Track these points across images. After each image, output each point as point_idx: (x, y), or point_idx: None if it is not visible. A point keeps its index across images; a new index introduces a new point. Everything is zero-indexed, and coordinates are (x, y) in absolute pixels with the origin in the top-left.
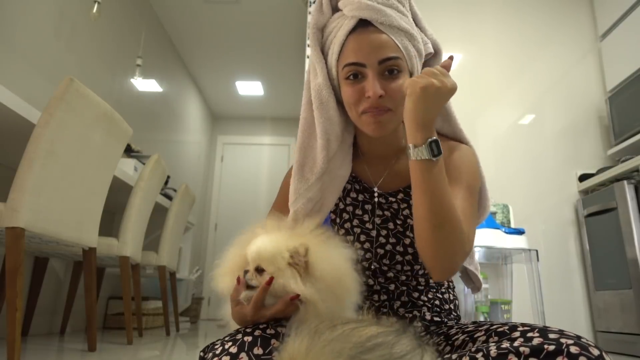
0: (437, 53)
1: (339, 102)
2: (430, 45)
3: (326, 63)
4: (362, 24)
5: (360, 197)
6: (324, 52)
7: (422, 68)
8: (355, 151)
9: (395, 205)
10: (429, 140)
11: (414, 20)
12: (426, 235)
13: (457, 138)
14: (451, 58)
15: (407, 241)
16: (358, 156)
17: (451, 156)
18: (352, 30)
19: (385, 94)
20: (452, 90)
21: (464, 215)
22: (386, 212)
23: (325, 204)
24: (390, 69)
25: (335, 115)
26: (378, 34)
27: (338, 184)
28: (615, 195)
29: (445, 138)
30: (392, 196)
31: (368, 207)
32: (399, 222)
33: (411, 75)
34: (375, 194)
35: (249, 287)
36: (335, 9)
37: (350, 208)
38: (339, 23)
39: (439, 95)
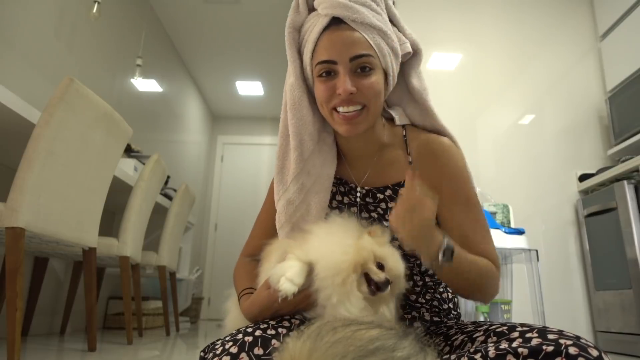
0: (416, 53)
1: (314, 102)
2: (408, 45)
3: (302, 62)
4: (335, 22)
5: (345, 200)
6: (300, 52)
7: (401, 67)
8: (337, 152)
9: (383, 205)
10: (441, 258)
11: (390, 20)
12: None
13: (437, 131)
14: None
15: (396, 244)
16: (340, 157)
17: (438, 162)
18: (325, 29)
19: (357, 91)
20: (428, 218)
21: (482, 236)
22: (373, 214)
23: (312, 205)
24: (362, 66)
25: (309, 114)
26: (350, 32)
27: (323, 185)
28: (615, 195)
29: (424, 131)
30: (380, 192)
31: (354, 209)
32: (386, 223)
33: (385, 73)
34: (359, 195)
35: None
36: (311, 9)
37: (336, 211)
38: (314, 22)
39: (419, 227)
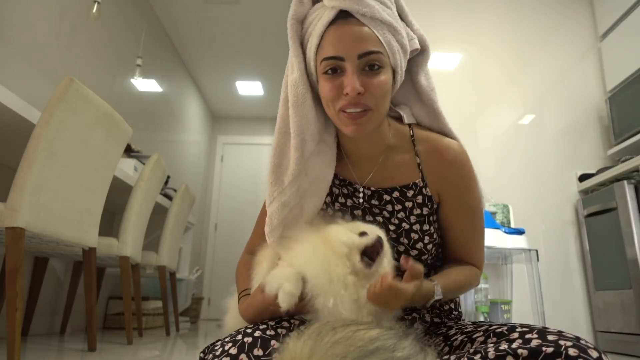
0: (423, 50)
1: (317, 99)
2: (416, 41)
3: (305, 57)
4: (343, 16)
5: (349, 202)
6: (303, 46)
7: (408, 64)
8: (339, 152)
9: (389, 208)
10: (430, 302)
11: (399, 13)
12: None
13: (444, 133)
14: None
15: (402, 248)
16: (342, 157)
17: (449, 170)
18: (332, 22)
19: (365, 91)
20: (404, 301)
21: (478, 243)
22: (377, 218)
23: (305, 208)
24: (371, 63)
25: (312, 112)
26: (359, 26)
27: (320, 187)
28: (615, 195)
29: (431, 131)
30: (387, 194)
31: (357, 212)
32: (392, 227)
33: (394, 71)
34: (361, 197)
35: None
36: (316, 0)
37: (339, 214)
38: (319, 14)
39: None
